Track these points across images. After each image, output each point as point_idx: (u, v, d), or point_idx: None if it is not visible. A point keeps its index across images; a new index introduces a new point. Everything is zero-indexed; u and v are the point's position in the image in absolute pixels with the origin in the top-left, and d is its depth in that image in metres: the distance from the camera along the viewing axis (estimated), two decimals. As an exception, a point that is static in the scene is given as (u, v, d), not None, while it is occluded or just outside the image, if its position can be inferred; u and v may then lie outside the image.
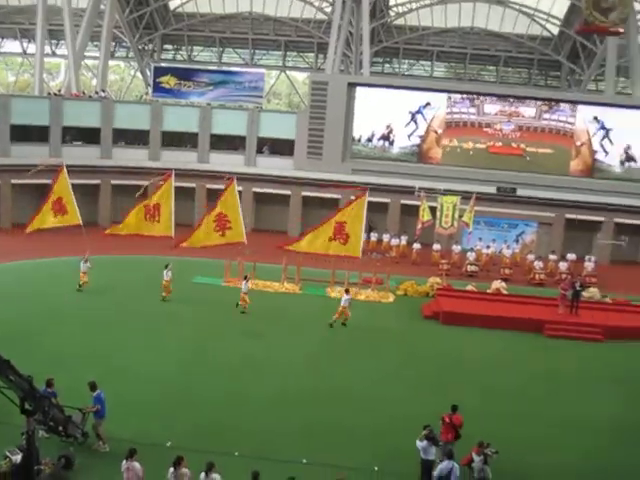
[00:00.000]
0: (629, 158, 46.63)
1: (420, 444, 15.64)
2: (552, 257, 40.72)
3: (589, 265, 39.42)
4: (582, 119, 46.39)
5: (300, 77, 76.83)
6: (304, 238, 32.28)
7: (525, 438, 18.67)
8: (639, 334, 28.76)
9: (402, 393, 21.38)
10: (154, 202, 31.54)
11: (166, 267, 30.00)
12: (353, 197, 33.00)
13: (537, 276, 38.31)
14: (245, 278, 29.42)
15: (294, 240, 34.02)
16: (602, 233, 45.19)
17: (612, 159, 46.66)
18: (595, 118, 46.33)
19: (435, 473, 15.09)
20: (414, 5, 60.23)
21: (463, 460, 15.75)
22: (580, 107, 46.54)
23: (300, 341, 25.89)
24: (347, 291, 29.22)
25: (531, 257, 40.07)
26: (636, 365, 25.90)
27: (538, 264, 38.72)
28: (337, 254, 31.70)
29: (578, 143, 46.61)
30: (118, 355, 22.84)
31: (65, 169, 31.29)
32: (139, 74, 67.30)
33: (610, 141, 46.37)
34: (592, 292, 34.46)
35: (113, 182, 45.12)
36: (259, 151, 48.13)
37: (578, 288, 30.87)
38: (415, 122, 46.98)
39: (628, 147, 46.40)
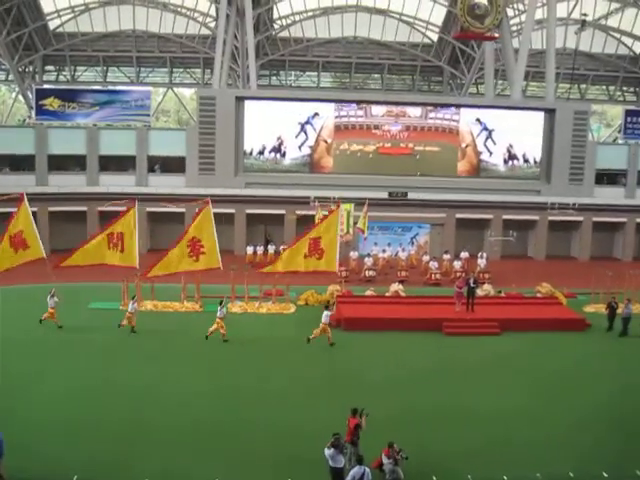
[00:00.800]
0: (511, 157, 48.66)
1: (328, 452, 15.74)
2: (446, 257, 41.84)
3: (481, 262, 40.71)
4: (465, 121, 48.03)
5: (188, 93, 76.29)
6: (280, 258, 31.29)
7: (429, 433, 19.10)
8: (532, 325, 30.08)
9: (307, 402, 21.46)
10: (118, 231, 30.00)
11: (132, 299, 29.13)
12: (327, 213, 32.37)
13: (433, 276, 39.30)
14: (220, 303, 28.15)
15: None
16: (492, 230, 46.85)
17: (496, 158, 48.53)
18: (478, 120, 48.07)
19: (347, 479, 15.24)
20: (297, 17, 60.74)
21: (374, 463, 15.99)
22: (463, 110, 48.18)
23: (205, 357, 25.71)
24: (327, 307, 28.67)
25: (426, 258, 41.09)
26: (533, 354, 26.95)
27: (433, 264, 39.74)
28: (315, 270, 30.84)
29: (463, 145, 48.19)
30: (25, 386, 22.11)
31: (26, 198, 28.15)
32: (21, 97, 65.15)
33: (493, 141, 48.21)
34: (486, 289, 35.62)
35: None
36: (150, 170, 47.54)
37: (472, 285, 31.82)
38: (305, 133, 47.46)
39: (510, 146, 48.40)
